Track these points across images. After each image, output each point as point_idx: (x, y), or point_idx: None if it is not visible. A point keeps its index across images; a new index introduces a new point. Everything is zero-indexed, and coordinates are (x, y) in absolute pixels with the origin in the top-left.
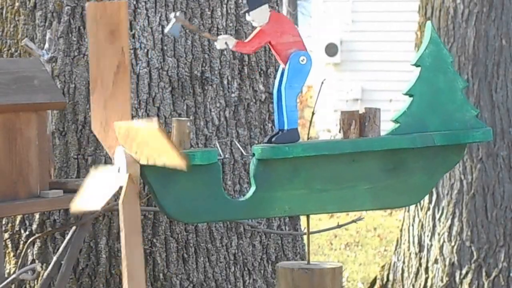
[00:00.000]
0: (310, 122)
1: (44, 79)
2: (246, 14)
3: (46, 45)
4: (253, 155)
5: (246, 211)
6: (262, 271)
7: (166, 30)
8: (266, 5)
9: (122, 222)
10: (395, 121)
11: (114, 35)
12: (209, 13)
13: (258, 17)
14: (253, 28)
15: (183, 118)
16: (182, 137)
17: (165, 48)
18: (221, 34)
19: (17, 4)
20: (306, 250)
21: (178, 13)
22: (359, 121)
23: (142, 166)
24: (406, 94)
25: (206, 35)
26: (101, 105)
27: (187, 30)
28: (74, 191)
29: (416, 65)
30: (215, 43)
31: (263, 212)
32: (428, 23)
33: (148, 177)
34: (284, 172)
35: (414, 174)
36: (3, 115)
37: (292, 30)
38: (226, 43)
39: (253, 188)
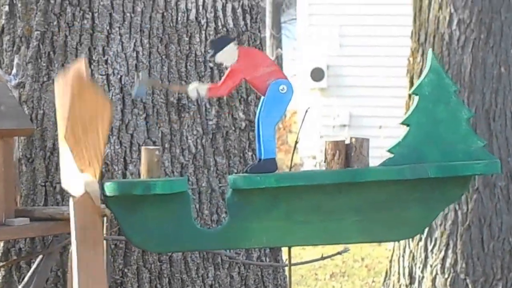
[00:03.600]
0: (293, 150)
1: (11, 105)
2: (214, 57)
3: (14, 70)
4: (228, 184)
5: (219, 241)
6: None
7: (132, 94)
8: (232, 44)
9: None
10: (389, 151)
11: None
12: (187, 39)
13: (226, 57)
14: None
15: (152, 147)
16: (151, 166)
17: (134, 76)
18: (199, 64)
19: None
20: (288, 282)
21: (141, 74)
22: (345, 151)
23: (105, 196)
24: (402, 124)
25: (174, 89)
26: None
27: (163, 56)
28: (41, 219)
29: (415, 94)
30: (188, 93)
31: (238, 243)
32: (430, 51)
33: (111, 207)
34: (261, 202)
35: (408, 207)
36: None
37: (265, 60)
38: (197, 91)
39: (228, 218)
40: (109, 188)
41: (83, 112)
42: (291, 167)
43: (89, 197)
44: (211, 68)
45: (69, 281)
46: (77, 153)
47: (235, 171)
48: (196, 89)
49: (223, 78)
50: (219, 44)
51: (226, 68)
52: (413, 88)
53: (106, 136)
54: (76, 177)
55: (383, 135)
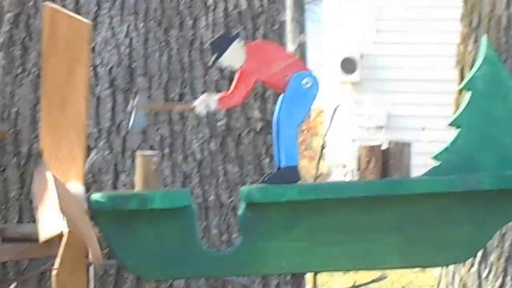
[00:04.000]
0: (320, 156)
1: None
2: (218, 62)
3: None
4: (241, 198)
5: (230, 266)
6: None
7: (129, 126)
8: (236, 42)
9: None
10: (435, 158)
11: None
12: (190, 22)
13: (233, 59)
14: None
15: (150, 152)
16: (147, 176)
17: (133, 65)
18: (206, 52)
19: None
20: None
21: (136, 100)
22: (382, 158)
23: (93, 211)
24: (451, 125)
25: (179, 108)
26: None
27: (162, 43)
28: (14, 239)
29: (466, 89)
30: (195, 110)
31: (253, 268)
32: (484, 38)
33: (101, 224)
34: (280, 219)
35: (458, 225)
36: None
37: (280, 53)
38: (206, 105)
39: (241, 239)
40: (98, 201)
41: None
42: (316, 177)
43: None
44: None
45: None
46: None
47: (249, 181)
48: (204, 102)
49: (233, 84)
50: (221, 45)
51: (233, 71)
52: (463, 82)
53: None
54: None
55: (427, 139)
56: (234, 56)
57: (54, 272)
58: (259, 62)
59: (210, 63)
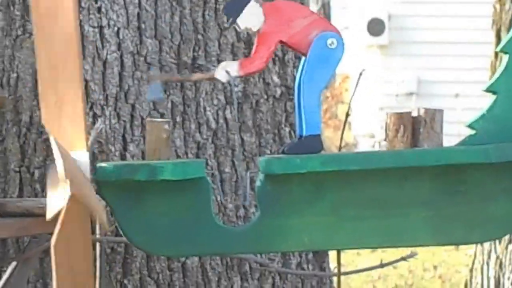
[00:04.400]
0: (344, 124)
1: None
2: (234, 25)
3: None
4: (260, 169)
5: (248, 243)
6: None
7: (147, 98)
8: (252, 1)
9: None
10: (470, 126)
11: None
12: None
13: (250, 20)
14: None
15: (161, 119)
16: (158, 144)
17: (143, 26)
18: (221, 11)
19: None
20: None
21: (151, 72)
22: (412, 126)
23: (98, 183)
24: (486, 91)
25: (197, 77)
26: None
27: (172, 2)
28: (14, 214)
29: (503, 52)
30: (216, 76)
31: (272, 245)
32: None
33: (107, 196)
34: (301, 192)
35: (494, 200)
36: None
37: (300, 11)
38: (226, 71)
39: (258, 213)
40: (104, 172)
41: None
42: (340, 147)
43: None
44: None
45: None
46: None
47: (268, 152)
48: (224, 69)
49: (254, 47)
50: (236, 6)
51: (252, 34)
52: (501, 45)
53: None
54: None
55: (461, 107)
56: (251, 18)
57: (52, 242)
58: (279, 22)
59: (226, 26)
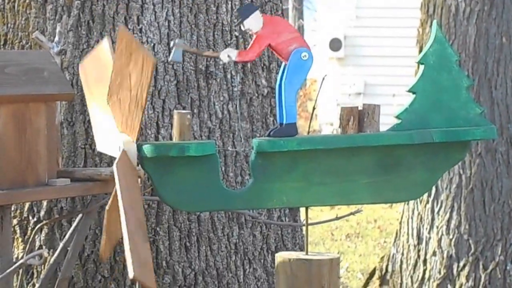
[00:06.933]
0: (311, 116)
1: (54, 71)
2: (241, 25)
3: (56, 38)
4: (253, 148)
5: (244, 201)
6: (262, 261)
7: (169, 58)
8: (257, 11)
9: (119, 187)
10: (397, 117)
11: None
12: (214, 9)
13: (253, 24)
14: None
15: (184, 111)
16: (183, 129)
17: (171, 43)
18: (226, 32)
19: None
20: (305, 241)
21: (177, 40)
22: (358, 117)
23: (141, 158)
24: (409, 91)
25: (207, 54)
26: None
27: (192, 25)
28: (81, 179)
29: (420, 63)
30: (220, 57)
31: (261, 203)
32: (434, 22)
33: (147, 167)
34: (282, 164)
35: (414, 170)
36: (13, 105)
37: (288, 27)
38: (228, 55)
39: (251, 180)
40: (147, 150)
41: (128, 72)
42: (308, 132)
43: (127, 157)
44: (237, 36)
45: (103, 239)
46: (117, 115)
47: (258, 135)
48: (227, 53)
49: (250, 44)
50: (246, 11)
51: (251, 36)
52: (419, 57)
53: (146, 95)
54: (115, 138)
55: (396, 103)
56: (254, 21)
57: (107, 207)
58: (272, 30)
59: (236, 23)
